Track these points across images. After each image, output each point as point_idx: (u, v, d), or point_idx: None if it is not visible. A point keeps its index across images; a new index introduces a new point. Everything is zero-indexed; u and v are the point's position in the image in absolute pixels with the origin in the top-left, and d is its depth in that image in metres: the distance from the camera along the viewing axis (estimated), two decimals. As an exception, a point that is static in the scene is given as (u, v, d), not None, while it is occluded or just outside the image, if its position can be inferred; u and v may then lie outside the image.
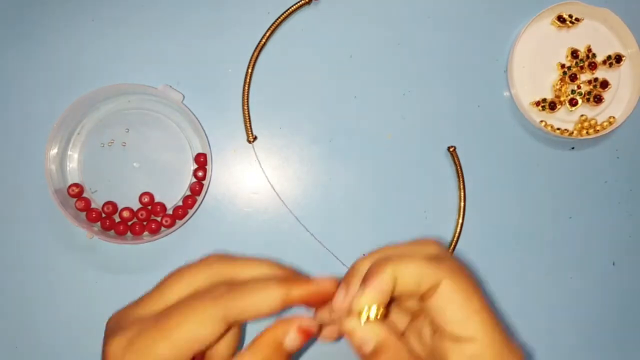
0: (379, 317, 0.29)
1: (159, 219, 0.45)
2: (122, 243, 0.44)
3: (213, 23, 0.47)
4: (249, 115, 0.46)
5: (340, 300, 0.30)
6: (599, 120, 0.48)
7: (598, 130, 0.47)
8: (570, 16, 0.48)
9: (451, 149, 0.47)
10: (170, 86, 0.45)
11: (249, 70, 0.46)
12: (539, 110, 0.47)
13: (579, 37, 0.48)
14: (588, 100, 0.47)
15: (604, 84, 0.47)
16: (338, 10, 0.47)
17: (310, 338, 0.30)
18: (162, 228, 0.45)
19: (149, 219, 0.45)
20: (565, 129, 0.48)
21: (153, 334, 0.29)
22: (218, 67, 0.47)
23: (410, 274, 0.29)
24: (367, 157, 0.47)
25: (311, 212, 0.46)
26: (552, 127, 0.47)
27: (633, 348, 0.49)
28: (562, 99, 0.47)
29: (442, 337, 0.29)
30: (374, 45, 0.47)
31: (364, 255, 0.29)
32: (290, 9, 0.46)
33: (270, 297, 0.29)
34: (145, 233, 0.45)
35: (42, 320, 0.45)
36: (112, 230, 0.45)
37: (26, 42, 0.46)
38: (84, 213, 0.44)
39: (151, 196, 0.45)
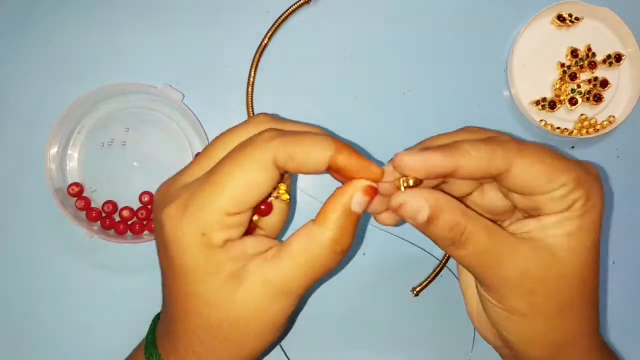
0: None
1: (159, 218, 0.45)
2: (122, 243, 0.44)
3: (213, 23, 0.47)
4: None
5: (390, 172, 0.29)
6: (599, 119, 0.48)
7: (598, 130, 0.47)
8: (570, 15, 0.48)
9: (451, 149, 0.47)
10: (170, 86, 0.45)
11: (252, 73, 0.46)
12: (539, 109, 0.47)
13: (579, 37, 0.48)
14: (588, 99, 0.47)
15: (604, 84, 0.47)
16: (338, 10, 0.47)
17: (375, 195, 0.29)
18: (162, 228, 0.45)
19: (149, 218, 0.45)
20: (566, 129, 0.48)
21: (207, 191, 0.28)
22: (218, 67, 0.47)
23: (477, 162, 0.28)
24: (367, 157, 0.46)
25: (311, 211, 0.46)
26: (552, 126, 0.47)
27: (633, 348, 0.49)
28: (562, 98, 0.47)
29: (530, 197, 0.29)
30: (373, 45, 0.47)
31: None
32: (291, 9, 0.46)
33: (321, 149, 0.28)
34: (146, 232, 0.45)
35: (42, 320, 0.45)
36: (113, 230, 0.45)
37: (26, 42, 0.46)
38: (84, 212, 0.44)
39: (151, 196, 0.45)
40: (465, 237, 0.28)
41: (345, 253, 0.29)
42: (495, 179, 0.29)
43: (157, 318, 0.34)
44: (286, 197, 0.32)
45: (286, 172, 0.29)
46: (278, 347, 0.46)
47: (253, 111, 0.46)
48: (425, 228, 0.29)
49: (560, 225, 0.29)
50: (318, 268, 0.29)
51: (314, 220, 0.29)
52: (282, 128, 0.30)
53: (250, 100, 0.46)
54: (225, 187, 0.27)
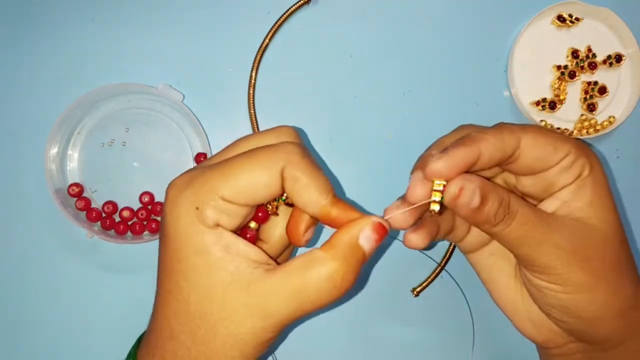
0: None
1: (159, 218, 0.45)
2: (122, 243, 0.44)
3: (213, 23, 0.47)
4: (255, 119, 0.46)
5: (419, 179, 0.30)
6: (599, 119, 0.48)
7: (598, 130, 0.47)
8: (570, 16, 0.48)
9: (451, 149, 0.47)
10: (170, 86, 0.45)
11: (253, 74, 0.46)
12: (539, 109, 0.47)
13: (579, 37, 0.48)
14: (585, 100, 0.47)
15: (602, 90, 0.47)
16: (338, 10, 0.47)
17: (384, 235, 0.29)
18: (162, 228, 0.45)
19: (149, 218, 0.45)
20: (566, 129, 0.48)
21: (212, 173, 0.28)
22: (218, 67, 0.47)
23: (494, 143, 0.30)
24: (367, 157, 0.47)
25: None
26: (552, 126, 0.47)
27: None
28: (561, 97, 0.47)
29: (542, 174, 0.31)
30: (373, 45, 0.47)
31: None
32: (291, 9, 0.46)
33: (323, 190, 0.28)
34: (146, 233, 0.45)
35: (42, 320, 0.45)
36: (112, 230, 0.45)
37: (26, 42, 0.46)
38: (84, 213, 0.44)
39: (151, 196, 0.45)
40: (512, 209, 0.30)
41: (343, 290, 0.28)
42: (508, 161, 0.31)
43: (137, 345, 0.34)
44: (280, 207, 0.32)
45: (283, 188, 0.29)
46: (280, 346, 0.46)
47: (254, 112, 0.46)
48: (477, 212, 0.29)
49: (578, 195, 0.31)
50: (309, 297, 0.27)
51: (322, 246, 0.29)
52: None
53: (251, 101, 0.46)
54: (230, 175, 0.28)
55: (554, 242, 0.30)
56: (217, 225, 0.28)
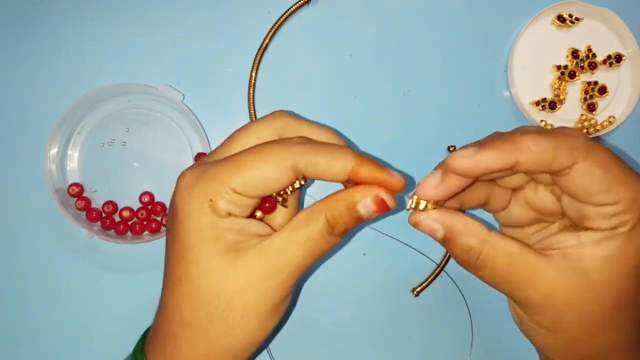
0: (428, 207, 0.29)
1: (159, 218, 0.45)
2: (122, 243, 0.44)
3: (213, 23, 0.47)
4: (256, 119, 0.46)
5: (431, 184, 0.29)
6: (599, 119, 0.48)
7: (598, 130, 0.47)
8: (570, 16, 0.48)
9: (451, 149, 0.47)
10: (170, 86, 0.45)
11: (253, 74, 0.46)
12: (539, 110, 0.47)
13: (579, 37, 0.48)
14: (585, 102, 0.47)
15: (602, 90, 0.47)
16: (338, 10, 0.47)
17: (383, 212, 0.29)
18: (163, 228, 0.45)
19: (149, 218, 0.45)
20: (565, 129, 0.48)
21: (223, 167, 0.29)
22: (218, 67, 0.47)
23: (540, 156, 0.27)
24: (366, 156, 0.47)
25: None
26: (552, 126, 0.47)
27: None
28: (561, 97, 0.47)
29: (582, 204, 0.29)
30: (374, 45, 0.47)
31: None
32: (291, 9, 0.46)
33: (342, 160, 0.29)
34: (146, 233, 0.45)
35: (42, 320, 0.45)
36: (112, 230, 0.45)
37: (26, 42, 0.46)
38: (84, 213, 0.44)
39: (151, 196, 0.45)
40: (480, 261, 0.29)
41: (339, 237, 0.30)
42: (554, 174, 0.29)
43: (143, 338, 0.34)
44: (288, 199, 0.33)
45: (304, 177, 0.30)
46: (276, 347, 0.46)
47: (255, 112, 0.46)
48: (443, 245, 0.30)
49: (600, 245, 0.28)
50: (314, 243, 0.29)
51: (320, 201, 0.30)
52: (298, 126, 0.32)
53: (251, 102, 0.46)
54: (241, 170, 0.29)
55: (527, 294, 0.29)
56: (229, 214, 0.29)
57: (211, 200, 0.29)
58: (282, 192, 0.32)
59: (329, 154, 0.29)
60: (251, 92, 0.46)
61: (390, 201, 0.29)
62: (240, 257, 0.29)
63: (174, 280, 0.30)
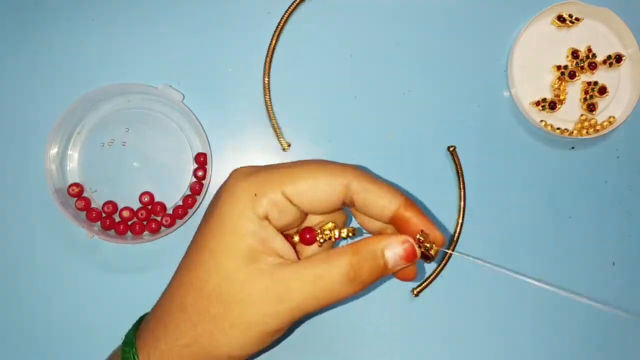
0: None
1: (159, 218, 0.45)
2: (122, 243, 0.44)
3: (213, 23, 0.47)
4: (277, 125, 0.46)
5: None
6: (599, 120, 0.48)
7: (598, 130, 0.47)
8: (570, 16, 0.48)
9: (451, 149, 0.47)
10: (170, 86, 0.45)
11: (266, 80, 0.46)
12: (539, 110, 0.47)
13: (579, 37, 0.48)
14: (585, 102, 0.47)
15: (602, 90, 0.47)
16: (338, 10, 0.47)
17: (409, 262, 0.29)
18: (162, 228, 0.45)
19: (149, 218, 0.45)
20: (565, 129, 0.48)
21: (282, 171, 0.29)
22: (218, 67, 0.47)
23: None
24: (367, 157, 0.47)
25: None
26: (552, 126, 0.47)
27: (633, 348, 0.49)
28: (561, 97, 0.47)
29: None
30: (374, 45, 0.47)
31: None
32: (291, 8, 0.46)
33: (392, 195, 0.30)
34: (146, 233, 0.45)
35: (42, 320, 0.45)
36: (112, 230, 0.45)
37: (26, 42, 0.46)
38: (84, 213, 0.44)
39: (151, 196, 0.45)
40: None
41: (356, 288, 0.29)
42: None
43: (139, 321, 0.34)
44: (330, 234, 0.32)
45: (352, 203, 0.30)
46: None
47: (274, 116, 0.46)
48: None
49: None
50: (324, 286, 0.28)
51: (347, 246, 0.29)
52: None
53: (270, 110, 0.46)
54: (294, 174, 0.29)
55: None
56: (266, 217, 0.29)
57: (255, 194, 0.29)
58: (326, 231, 0.31)
59: (381, 186, 0.30)
60: (267, 99, 0.46)
61: (418, 252, 0.29)
62: (251, 267, 0.28)
63: (188, 263, 0.30)
